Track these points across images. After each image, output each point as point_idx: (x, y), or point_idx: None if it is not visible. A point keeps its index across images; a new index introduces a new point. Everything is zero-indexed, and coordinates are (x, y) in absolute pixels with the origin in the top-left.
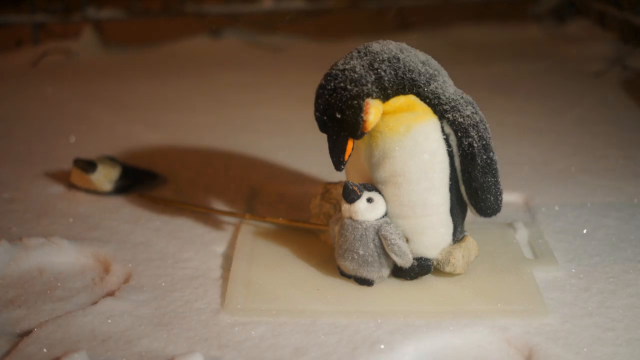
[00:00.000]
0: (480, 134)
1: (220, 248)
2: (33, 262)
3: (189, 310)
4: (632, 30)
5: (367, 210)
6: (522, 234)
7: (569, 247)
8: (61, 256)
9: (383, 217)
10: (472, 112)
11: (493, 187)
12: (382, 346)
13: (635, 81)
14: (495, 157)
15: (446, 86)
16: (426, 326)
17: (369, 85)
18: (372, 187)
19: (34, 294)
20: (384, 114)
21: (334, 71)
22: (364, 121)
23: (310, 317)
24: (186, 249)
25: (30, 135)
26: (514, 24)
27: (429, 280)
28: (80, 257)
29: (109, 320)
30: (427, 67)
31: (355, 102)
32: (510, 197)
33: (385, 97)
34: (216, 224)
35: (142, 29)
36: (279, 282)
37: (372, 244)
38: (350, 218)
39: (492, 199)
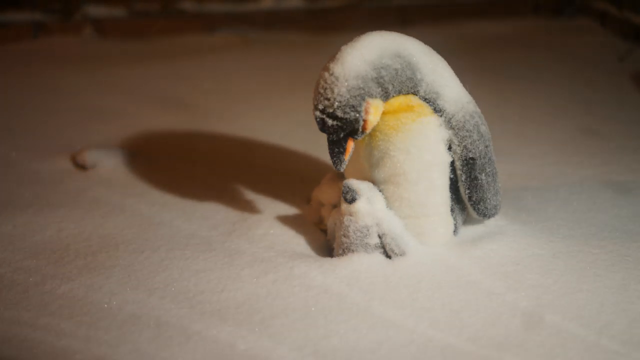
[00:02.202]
0: (480, 133)
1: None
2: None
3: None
4: (632, 29)
5: (366, 209)
6: None
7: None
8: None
9: (383, 214)
10: (473, 112)
11: (492, 187)
12: None
13: None
14: (494, 158)
15: (447, 84)
16: None
17: (370, 84)
18: (372, 186)
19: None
20: (384, 113)
21: (333, 68)
22: (364, 121)
23: None
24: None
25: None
26: (514, 19)
27: None
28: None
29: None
30: (429, 64)
31: (356, 101)
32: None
33: (385, 96)
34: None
35: (140, 27)
36: None
37: (372, 243)
38: (350, 216)
39: (491, 199)
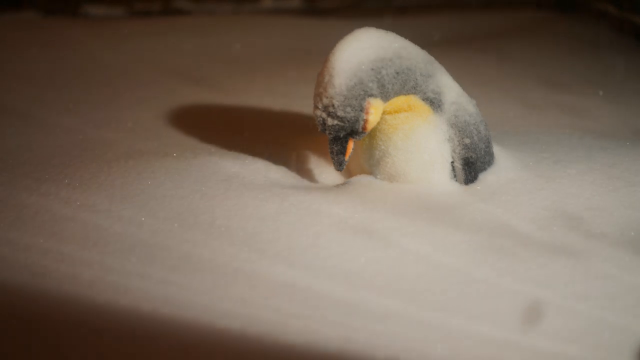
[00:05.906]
0: (480, 133)
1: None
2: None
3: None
4: (632, 28)
5: None
6: None
7: None
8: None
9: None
10: (472, 112)
11: None
12: None
13: None
14: (494, 158)
15: (446, 84)
16: None
17: (370, 84)
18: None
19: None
20: (384, 113)
21: (333, 68)
22: (364, 121)
23: None
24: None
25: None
26: (515, 10)
27: None
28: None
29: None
30: (428, 66)
31: (356, 101)
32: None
33: (386, 96)
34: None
35: (139, 26)
36: None
37: None
38: None
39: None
